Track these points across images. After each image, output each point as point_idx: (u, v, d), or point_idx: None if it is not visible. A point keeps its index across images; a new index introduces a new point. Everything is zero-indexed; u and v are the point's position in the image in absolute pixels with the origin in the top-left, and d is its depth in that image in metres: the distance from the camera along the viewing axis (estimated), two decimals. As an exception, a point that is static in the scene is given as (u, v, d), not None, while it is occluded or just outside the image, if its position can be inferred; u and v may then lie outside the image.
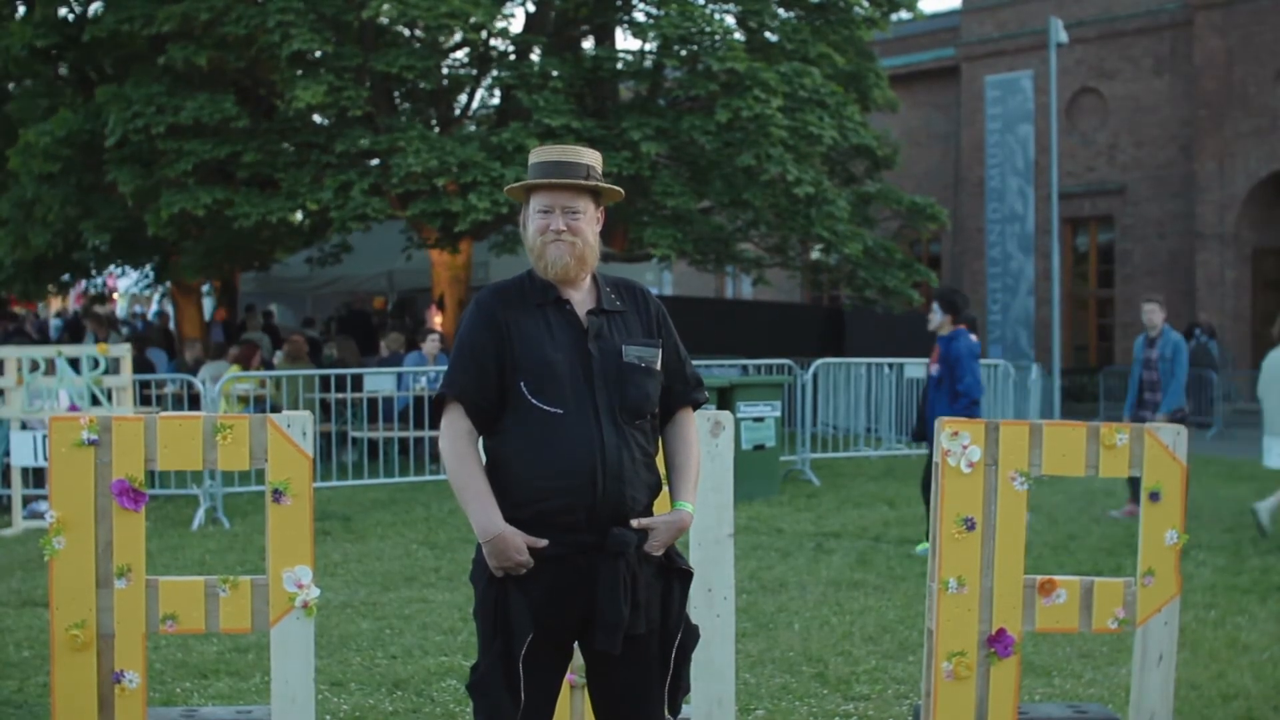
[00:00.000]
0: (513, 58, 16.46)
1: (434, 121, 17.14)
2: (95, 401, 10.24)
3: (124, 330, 22.19)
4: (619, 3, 17.09)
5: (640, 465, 3.40)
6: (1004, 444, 4.42)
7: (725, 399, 11.46)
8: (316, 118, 15.97)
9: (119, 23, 14.91)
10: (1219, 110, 24.89)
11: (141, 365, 13.93)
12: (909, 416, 15.36)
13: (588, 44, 17.48)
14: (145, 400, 12.49)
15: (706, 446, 4.46)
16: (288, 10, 14.18)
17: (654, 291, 3.83)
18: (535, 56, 15.99)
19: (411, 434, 13.06)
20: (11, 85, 18.50)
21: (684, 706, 3.75)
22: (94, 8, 16.52)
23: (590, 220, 3.45)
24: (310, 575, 4.17)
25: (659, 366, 3.48)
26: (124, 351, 10.64)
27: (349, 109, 14.57)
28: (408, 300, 22.28)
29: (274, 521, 4.18)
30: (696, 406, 3.63)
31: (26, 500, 10.50)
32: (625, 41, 19.99)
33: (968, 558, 4.40)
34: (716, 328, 20.39)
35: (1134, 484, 10.74)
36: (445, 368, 3.94)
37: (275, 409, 12.67)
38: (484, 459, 3.44)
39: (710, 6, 16.30)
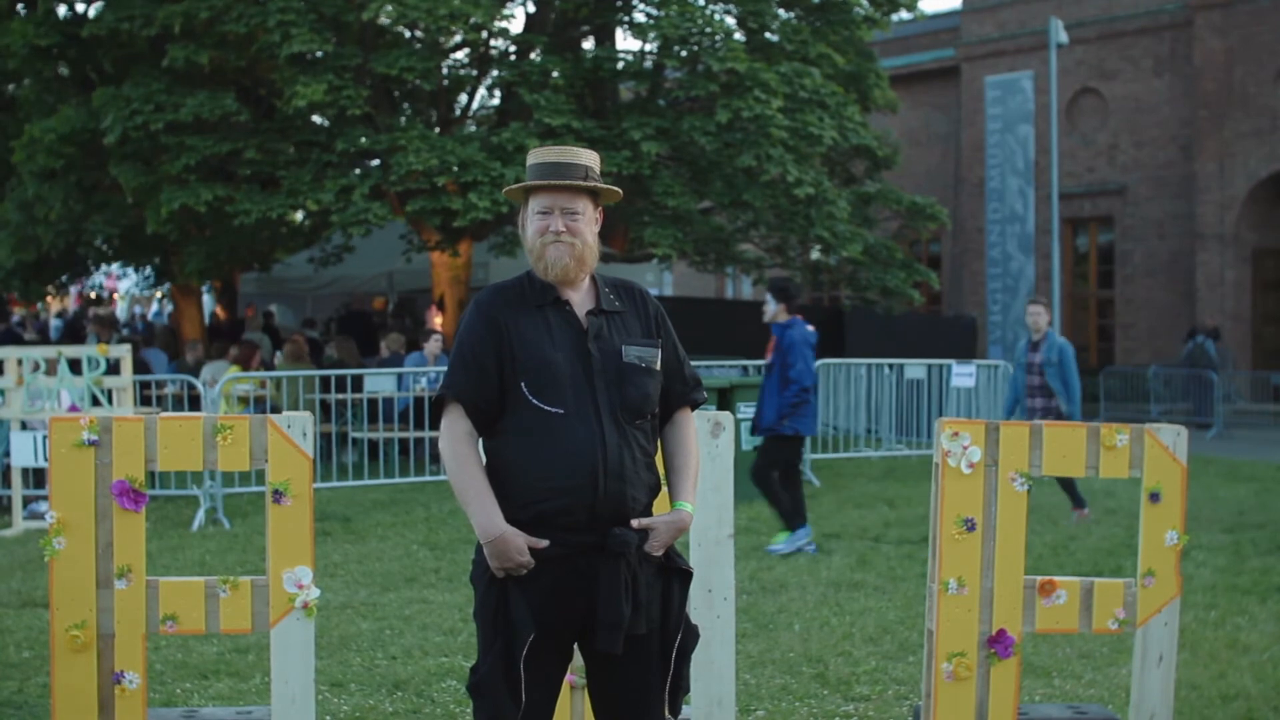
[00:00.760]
0: (513, 57, 16.46)
1: (434, 122, 17.15)
2: (95, 402, 10.24)
3: (124, 331, 22.20)
4: (619, 3, 17.09)
5: (641, 465, 3.40)
6: (1004, 445, 4.42)
7: (725, 399, 11.46)
8: (316, 117, 15.97)
9: (119, 21, 14.91)
10: (1219, 110, 24.89)
11: (138, 367, 13.93)
12: (909, 417, 15.37)
13: (588, 44, 17.48)
14: (145, 401, 12.49)
15: (706, 447, 4.46)
16: (288, 10, 14.18)
17: (654, 292, 3.84)
18: (535, 56, 15.99)
19: (412, 435, 13.06)
20: (11, 86, 18.51)
21: (684, 707, 3.75)
22: (94, 7, 16.53)
23: (589, 221, 3.45)
24: (310, 576, 4.17)
25: (658, 366, 3.49)
26: (124, 352, 10.64)
27: (348, 108, 14.57)
28: (408, 301, 22.28)
29: (274, 522, 4.18)
30: (695, 407, 3.63)
31: (27, 501, 10.50)
32: (625, 42, 20.01)
33: (968, 558, 4.40)
34: (716, 328, 20.38)
35: (1070, 490, 10.61)
36: (445, 368, 3.94)
37: (275, 409, 12.67)
38: (484, 460, 3.44)
39: (710, 7, 16.30)
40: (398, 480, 12.40)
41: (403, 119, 16.02)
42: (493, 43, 16.75)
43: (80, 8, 16.92)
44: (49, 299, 27.11)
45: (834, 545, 9.49)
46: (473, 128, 17.74)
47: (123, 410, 10.16)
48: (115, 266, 24.04)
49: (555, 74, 15.25)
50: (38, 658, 6.13)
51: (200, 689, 5.82)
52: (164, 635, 4.59)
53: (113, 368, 10.43)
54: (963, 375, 14.63)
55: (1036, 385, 10.62)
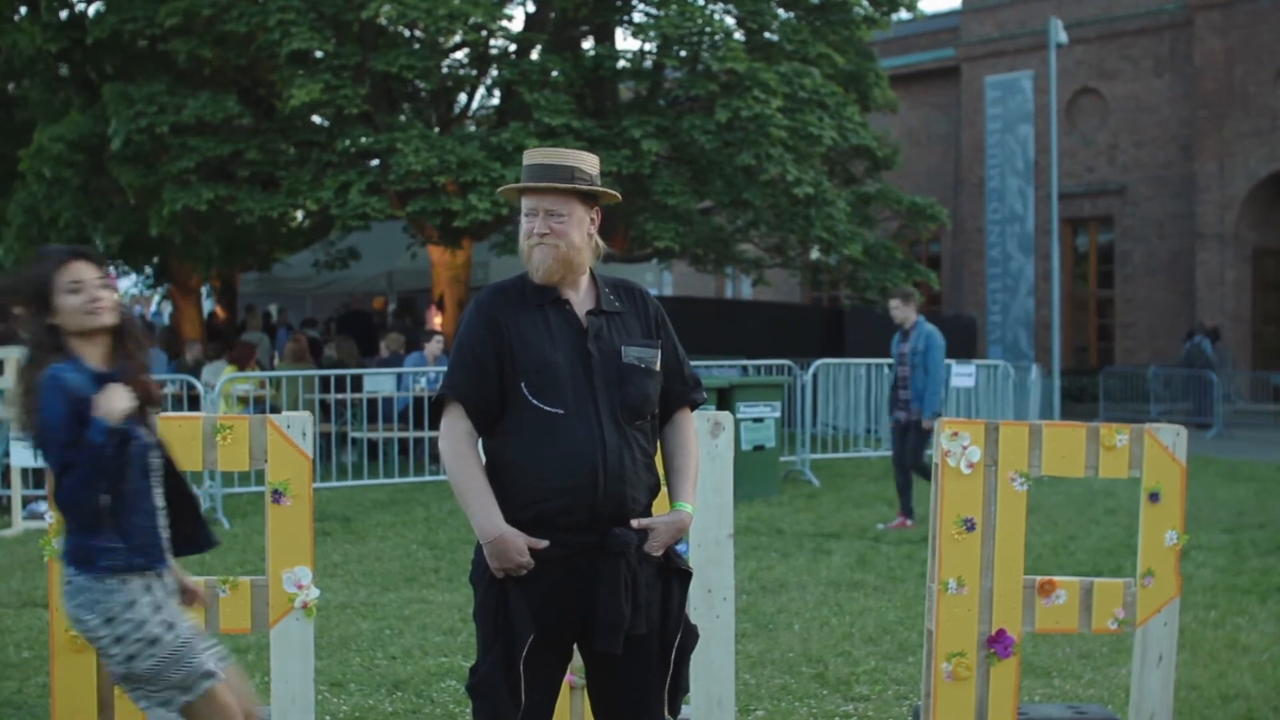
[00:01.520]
0: (513, 56, 16.47)
1: (434, 122, 17.15)
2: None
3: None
4: (619, 2, 17.10)
5: (640, 465, 3.40)
6: (1004, 445, 4.42)
7: (725, 399, 11.45)
8: (315, 117, 15.99)
9: (121, 23, 14.93)
10: (1219, 110, 24.89)
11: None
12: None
13: (587, 44, 17.49)
14: (145, 401, 12.46)
15: (706, 447, 4.46)
16: (288, 8, 14.19)
17: (654, 292, 3.82)
18: (535, 55, 16.01)
19: (411, 434, 13.06)
20: (11, 86, 18.51)
21: (684, 707, 3.75)
22: (94, 8, 16.55)
23: (576, 223, 3.43)
24: (310, 576, 4.17)
25: (658, 367, 3.49)
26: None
27: (345, 107, 14.57)
28: (408, 301, 22.29)
29: (274, 522, 4.18)
30: (695, 407, 3.63)
31: (26, 501, 10.50)
32: (625, 42, 20.02)
33: (967, 558, 4.40)
34: (716, 328, 20.38)
35: (903, 495, 10.42)
36: (445, 369, 3.94)
37: (275, 409, 12.67)
38: (484, 460, 3.44)
39: (710, 7, 16.31)
40: (397, 480, 12.40)
41: (402, 118, 16.02)
42: (492, 42, 16.76)
43: (80, 7, 16.94)
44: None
45: (834, 545, 9.49)
46: (472, 128, 17.74)
47: (122, 410, 10.14)
48: (113, 268, 24.03)
49: (555, 73, 15.26)
50: (38, 658, 6.13)
51: (200, 689, 5.81)
52: (164, 635, 4.58)
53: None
54: (962, 375, 14.61)
55: (907, 376, 10.24)
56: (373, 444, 13.28)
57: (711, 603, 4.52)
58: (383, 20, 15.67)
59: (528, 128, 14.62)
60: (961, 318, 26.24)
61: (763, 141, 14.88)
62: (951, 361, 15.19)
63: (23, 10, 16.77)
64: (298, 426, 4.20)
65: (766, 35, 16.80)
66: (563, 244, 3.40)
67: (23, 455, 10.07)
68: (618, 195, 3.59)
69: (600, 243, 3.60)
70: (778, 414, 12.05)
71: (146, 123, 14.39)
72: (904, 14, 19.03)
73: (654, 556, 3.39)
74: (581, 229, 3.44)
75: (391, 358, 15.06)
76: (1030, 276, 26.79)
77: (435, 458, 12.18)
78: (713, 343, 18.28)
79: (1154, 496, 4.50)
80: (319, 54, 14.98)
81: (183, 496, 3.69)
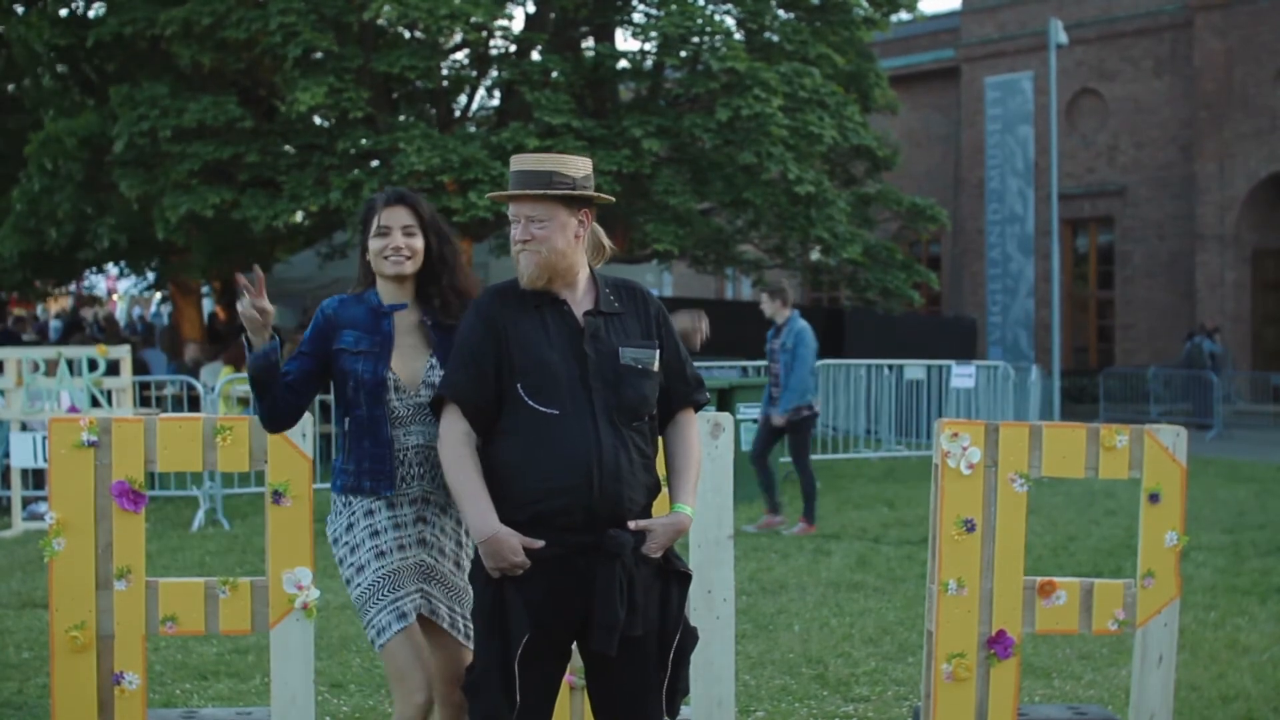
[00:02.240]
0: (513, 56, 16.47)
1: (434, 122, 17.15)
2: (95, 403, 10.23)
3: (124, 332, 22.20)
4: (619, 3, 17.10)
5: (638, 466, 3.40)
6: (1004, 445, 4.41)
7: (725, 400, 11.45)
8: (317, 119, 15.98)
9: (121, 25, 14.93)
10: (1219, 111, 24.90)
11: (138, 367, 13.91)
12: (909, 418, 15.38)
13: (588, 44, 17.49)
14: (145, 402, 12.47)
15: (706, 448, 4.46)
16: (289, 11, 14.18)
17: (654, 293, 3.78)
18: (536, 55, 16.01)
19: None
20: (11, 86, 18.50)
21: (683, 708, 3.75)
22: (95, 8, 16.53)
23: (559, 227, 3.43)
24: (310, 577, 4.17)
25: (656, 368, 3.49)
26: (123, 353, 10.63)
27: (349, 110, 14.57)
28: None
29: (274, 523, 4.18)
30: (698, 408, 3.63)
31: (26, 501, 10.49)
32: (625, 42, 20.02)
33: (967, 559, 4.40)
34: (716, 328, 20.34)
35: (769, 494, 10.33)
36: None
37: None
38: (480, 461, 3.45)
39: (710, 7, 16.31)
40: (397, 481, 12.37)
41: (402, 119, 16.01)
42: (493, 42, 16.76)
43: (79, 6, 16.92)
44: (49, 300, 27.10)
45: (834, 546, 9.49)
46: (473, 129, 17.74)
47: (122, 411, 10.15)
48: (114, 268, 24.03)
49: (555, 73, 15.26)
50: (38, 658, 6.13)
51: (200, 690, 5.82)
52: (164, 636, 4.58)
53: (112, 368, 10.42)
54: (962, 376, 14.63)
55: (779, 371, 10.15)
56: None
57: (711, 604, 4.51)
58: (383, 21, 15.66)
59: (528, 127, 14.61)
60: (961, 318, 26.26)
61: (763, 140, 14.89)
62: (952, 362, 15.22)
63: (19, 10, 16.75)
64: (298, 427, 4.20)
65: (767, 35, 16.80)
66: (544, 249, 3.41)
67: (22, 456, 10.07)
68: (605, 197, 3.59)
69: (608, 243, 3.61)
70: (778, 415, 12.02)
71: (149, 125, 14.38)
72: (904, 15, 19.02)
73: (652, 558, 3.40)
74: (566, 233, 3.44)
75: (391, 358, 15.02)
76: (1030, 277, 26.80)
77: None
78: (713, 343, 18.24)
79: (1154, 497, 4.50)
80: (320, 56, 14.97)
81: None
